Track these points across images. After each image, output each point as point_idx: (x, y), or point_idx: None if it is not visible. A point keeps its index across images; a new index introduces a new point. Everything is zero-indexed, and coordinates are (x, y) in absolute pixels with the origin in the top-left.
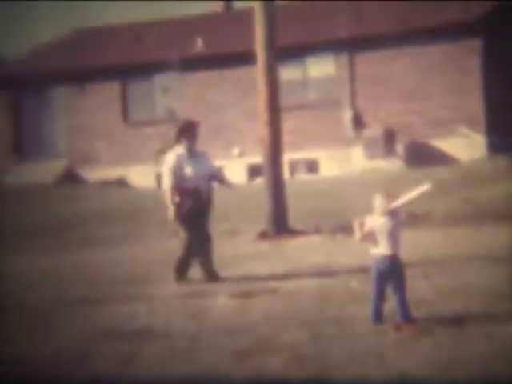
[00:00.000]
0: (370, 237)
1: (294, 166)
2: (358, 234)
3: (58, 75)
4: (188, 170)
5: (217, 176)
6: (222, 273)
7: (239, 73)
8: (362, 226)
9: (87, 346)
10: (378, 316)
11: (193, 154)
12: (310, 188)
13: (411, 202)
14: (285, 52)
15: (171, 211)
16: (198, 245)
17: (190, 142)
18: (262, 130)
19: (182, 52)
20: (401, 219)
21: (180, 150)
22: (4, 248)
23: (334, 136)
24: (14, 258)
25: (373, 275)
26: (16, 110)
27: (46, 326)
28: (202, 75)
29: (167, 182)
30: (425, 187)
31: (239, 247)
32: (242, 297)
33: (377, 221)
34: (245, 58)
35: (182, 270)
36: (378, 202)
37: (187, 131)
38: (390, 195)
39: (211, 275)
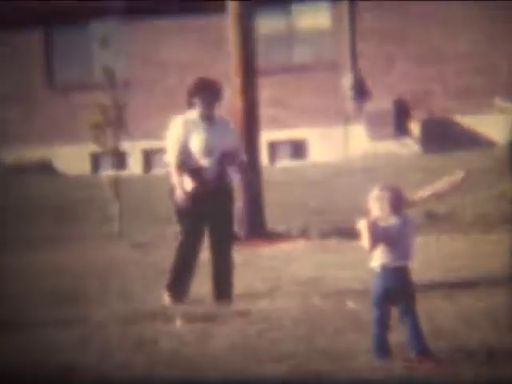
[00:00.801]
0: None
1: (274, 149)
2: (366, 240)
3: None
4: (194, 144)
5: (237, 158)
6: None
7: (204, 23)
8: (371, 228)
9: None
10: (383, 348)
11: (208, 122)
12: (295, 178)
13: (438, 196)
14: None
15: (181, 197)
16: (192, 253)
17: (204, 106)
18: (232, 99)
19: None
20: (413, 221)
21: (192, 115)
22: None
23: (328, 109)
24: None
25: (375, 294)
26: None
27: None
28: (153, 24)
29: (172, 159)
30: (458, 176)
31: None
32: (202, 321)
33: (387, 222)
34: (213, 3)
35: (177, 286)
36: (379, 196)
37: (202, 90)
38: (395, 189)
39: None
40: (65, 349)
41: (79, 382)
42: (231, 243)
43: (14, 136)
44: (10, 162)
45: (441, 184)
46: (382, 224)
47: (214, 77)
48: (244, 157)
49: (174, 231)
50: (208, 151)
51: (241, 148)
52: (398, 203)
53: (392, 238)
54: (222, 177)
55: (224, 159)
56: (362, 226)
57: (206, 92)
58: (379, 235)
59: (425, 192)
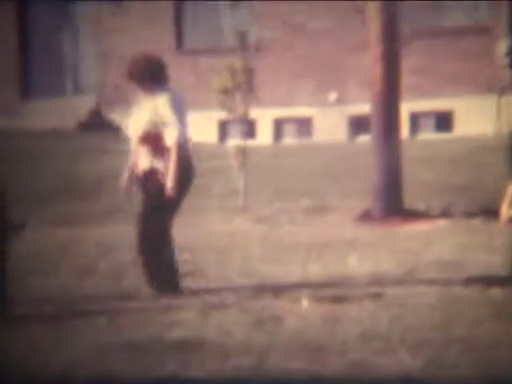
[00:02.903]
0: None
1: (415, 120)
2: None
3: None
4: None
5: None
6: (305, 266)
7: None
8: None
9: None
10: None
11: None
12: (439, 152)
13: None
14: None
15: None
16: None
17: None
18: (371, 67)
19: None
20: None
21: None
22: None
23: (480, 78)
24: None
25: None
26: (24, 27)
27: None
28: None
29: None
30: None
31: (330, 231)
32: (329, 302)
33: None
34: None
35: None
36: None
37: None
38: None
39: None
40: (182, 324)
41: (198, 356)
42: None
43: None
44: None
45: None
46: None
47: (351, 43)
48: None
49: (300, 206)
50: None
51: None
52: None
53: None
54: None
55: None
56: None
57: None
58: None
59: None
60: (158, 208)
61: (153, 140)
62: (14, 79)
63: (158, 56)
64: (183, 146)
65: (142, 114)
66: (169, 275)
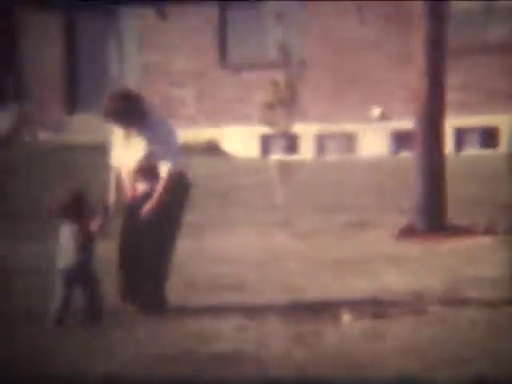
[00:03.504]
0: None
1: (461, 136)
2: None
3: None
4: None
5: None
6: (344, 282)
7: None
8: None
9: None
10: None
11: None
12: (483, 168)
13: None
14: None
15: None
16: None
17: None
18: (415, 82)
19: None
20: None
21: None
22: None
23: None
24: None
25: None
26: (71, 39)
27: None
28: (332, 1)
29: None
30: None
31: (371, 246)
32: (370, 318)
33: None
34: None
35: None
36: None
37: None
38: None
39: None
40: (222, 336)
41: (237, 370)
42: None
43: (183, 115)
44: (180, 142)
45: None
46: None
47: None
48: None
49: (341, 221)
50: None
51: None
52: None
53: None
54: None
55: None
56: None
57: None
58: None
59: None
60: (156, 226)
61: (148, 171)
62: (61, 93)
63: (134, 92)
64: (177, 164)
65: (133, 149)
66: (159, 293)
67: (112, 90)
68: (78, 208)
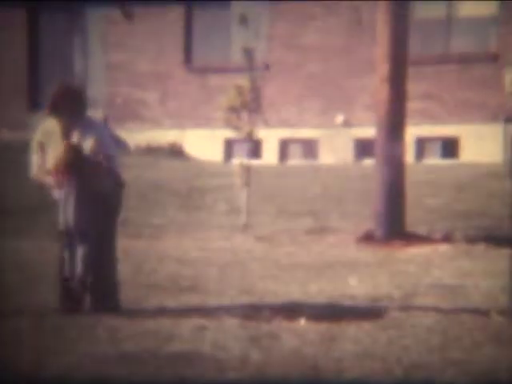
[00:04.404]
0: None
1: (421, 145)
2: None
3: None
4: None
5: None
6: (304, 285)
7: (351, 4)
8: None
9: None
10: None
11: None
12: (444, 177)
13: None
14: None
15: None
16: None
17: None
18: (377, 89)
19: None
20: None
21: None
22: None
23: (486, 106)
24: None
25: None
26: (35, 36)
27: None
28: (296, 6)
29: None
30: None
31: (331, 251)
32: (327, 321)
33: None
34: None
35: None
36: None
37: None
38: None
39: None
40: (181, 337)
41: (194, 370)
42: None
43: (148, 117)
44: (143, 144)
45: None
46: None
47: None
48: None
49: (302, 226)
50: None
51: None
52: None
53: None
54: None
55: None
56: None
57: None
58: None
59: None
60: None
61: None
62: (23, 90)
63: (78, 87)
64: (111, 158)
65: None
66: (112, 293)
67: (58, 84)
68: (70, 103)
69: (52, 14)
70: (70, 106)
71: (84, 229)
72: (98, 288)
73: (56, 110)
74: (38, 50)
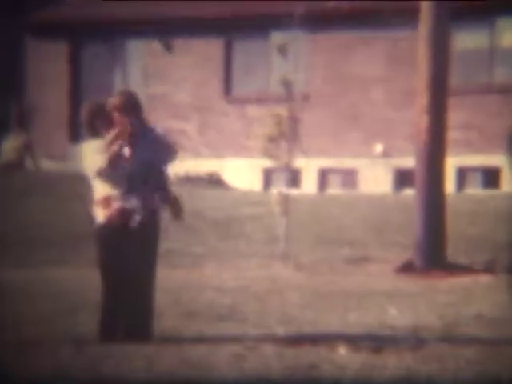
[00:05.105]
0: None
1: (463, 175)
2: None
3: (135, 23)
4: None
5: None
6: (343, 315)
7: (393, 36)
8: None
9: None
10: None
11: None
12: (485, 207)
13: None
14: (464, 9)
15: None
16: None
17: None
18: (418, 119)
19: (316, 3)
20: None
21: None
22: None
23: None
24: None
25: None
26: (77, 69)
27: None
28: (337, 37)
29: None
30: None
31: (369, 282)
32: (367, 351)
33: None
34: (403, 13)
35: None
36: None
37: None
38: None
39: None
40: (219, 366)
41: None
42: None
43: (187, 147)
44: (182, 173)
45: None
46: None
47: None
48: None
49: (341, 255)
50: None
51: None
52: None
53: None
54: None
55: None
56: None
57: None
58: None
59: None
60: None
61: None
62: (65, 122)
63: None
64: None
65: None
66: (146, 321)
67: (88, 102)
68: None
69: (94, 46)
70: (105, 120)
71: (127, 261)
72: (131, 316)
73: (93, 127)
74: (79, 82)
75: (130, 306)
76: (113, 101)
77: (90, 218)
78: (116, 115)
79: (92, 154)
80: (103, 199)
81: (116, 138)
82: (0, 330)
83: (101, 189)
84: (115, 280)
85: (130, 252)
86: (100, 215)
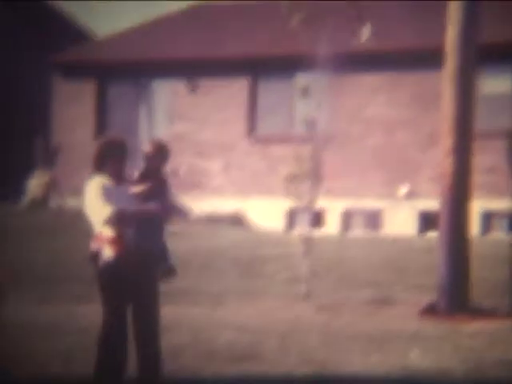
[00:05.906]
0: None
1: (488, 219)
2: None
3: (160, 64)
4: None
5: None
6: (365, 357)
7: (416, 78)
8: None
9: None
10: None
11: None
12: (509, 252)
13: None
14: (490, 53)
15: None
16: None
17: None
18: (442, 161)
19: (340, 45)
20: None
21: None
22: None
23: None
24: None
25: None
26: (104, 107)
27: None
28: (360, 78)
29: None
30: None
31: (394, 323)
32: None
33: None
34: (430, 57)
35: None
36: None
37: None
38: None
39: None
40: None
41: None
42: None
43: (211, 186)
44: (202, 212)
45: None
46: None
47: (423, 137)
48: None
49: (364, 297)
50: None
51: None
52: None
53: None
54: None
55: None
56: None
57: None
58: None
59: None
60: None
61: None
62: (90, 160)
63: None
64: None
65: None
66: (154, 363)
67: (104, 137)
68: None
69: (120, 86)
70: (116, 158)
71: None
72: (140, 357)
73: (102, 163)
74: (105, 120)
75: (142, 347)
76: (146, 149)
77: (91, 255)
78: (147, 164)
79: (97, 199)
80: (112, 238)
81: (147, 192)
82: (28, 366)
83: (106, 229)
84: (122, 319)
85: (136, 290)
86: (108, 253)
